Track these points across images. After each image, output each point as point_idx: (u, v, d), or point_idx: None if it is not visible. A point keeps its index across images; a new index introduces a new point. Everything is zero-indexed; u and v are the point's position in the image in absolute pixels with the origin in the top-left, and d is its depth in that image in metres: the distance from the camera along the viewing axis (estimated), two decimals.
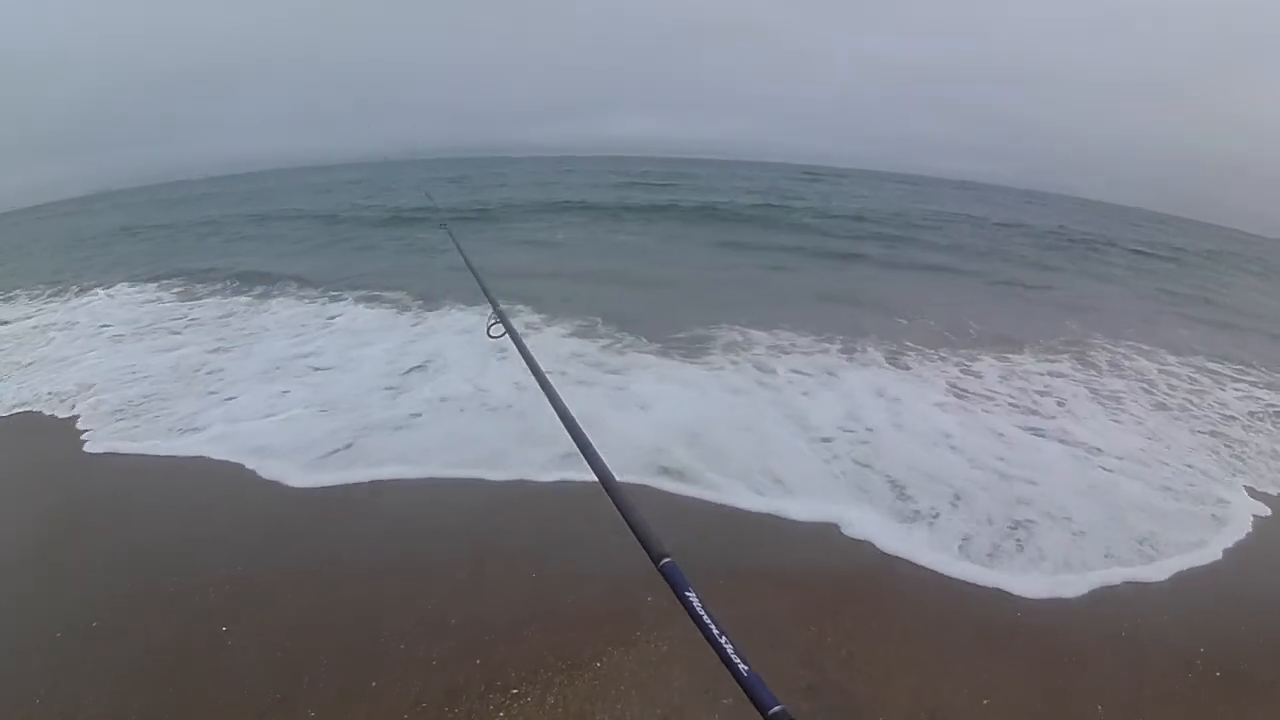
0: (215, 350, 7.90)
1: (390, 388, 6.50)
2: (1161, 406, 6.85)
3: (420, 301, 9.69)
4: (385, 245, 16.23)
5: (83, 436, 5.64)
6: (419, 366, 7.03)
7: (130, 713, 2.89)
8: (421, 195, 24.17)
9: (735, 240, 16.79)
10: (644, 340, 7.75)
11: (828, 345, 7.78)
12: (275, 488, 4.73)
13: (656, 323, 8.27)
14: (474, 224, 19.05)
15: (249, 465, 5.00)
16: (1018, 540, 4.20)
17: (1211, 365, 8.46)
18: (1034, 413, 6.34)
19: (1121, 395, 7.02)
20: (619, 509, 1.50)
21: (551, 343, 7.70)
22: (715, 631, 1.14)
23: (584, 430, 1.82)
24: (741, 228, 19.13)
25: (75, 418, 6.02)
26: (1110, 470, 5.24)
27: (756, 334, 8.09)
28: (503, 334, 2.51)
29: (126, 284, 12.06)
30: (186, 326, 9.22)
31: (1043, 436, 5.82)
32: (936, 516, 4.40)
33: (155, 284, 12.01)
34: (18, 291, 12.28)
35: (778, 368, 7.00)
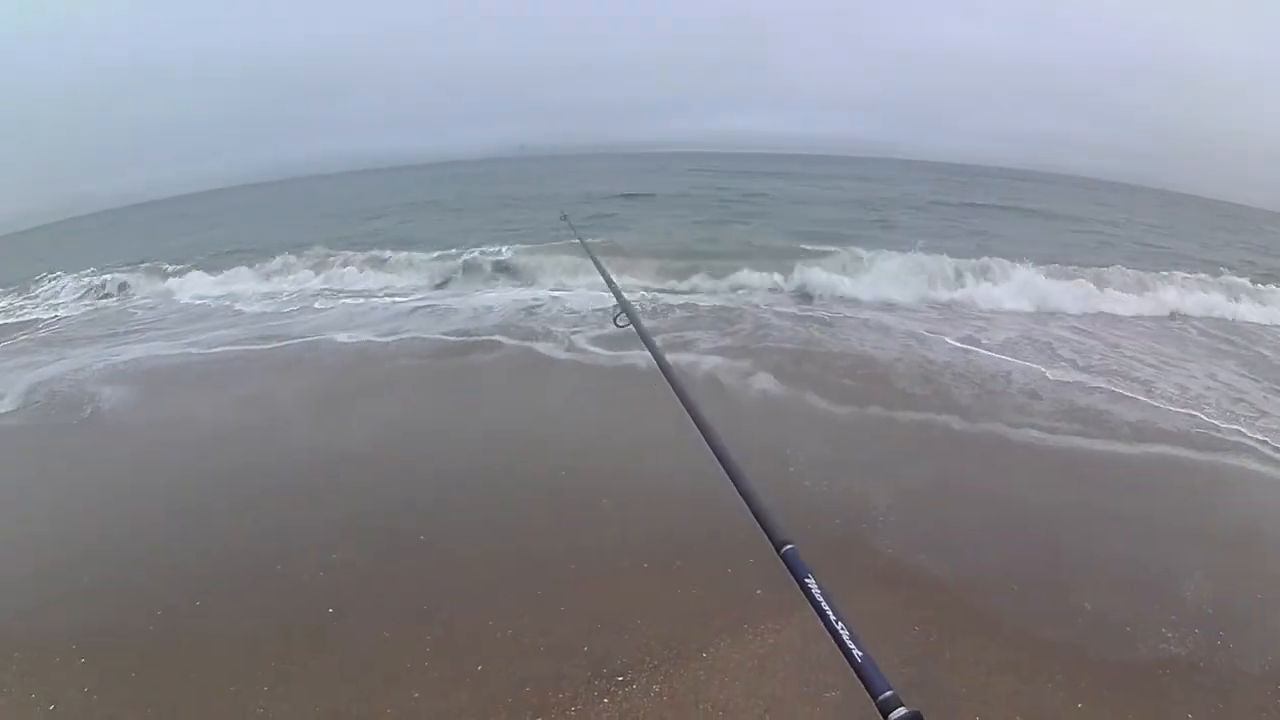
0: None
1: None
2: None
3: None
4: None
5: None
6: None
7: (231, 693, 2.99)
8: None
9: None
10: None
11: None
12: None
13: None
14: None
15: None
16: None
17: None
18: None
19: None
20: (741, 494, 1.46)
21: None
22: (832, 617, 1.13)
23: (705, 415, 1.75)
24: None
25: None
26: None
27: None
28: (627, 324, 2.50)
29: None
30: None
31: None
32: None
33: None
34: None
35: None
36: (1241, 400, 6.67)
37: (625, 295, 2.72)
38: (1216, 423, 5.97)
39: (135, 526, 4.46)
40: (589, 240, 3.59)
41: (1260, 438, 5.69)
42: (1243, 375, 7.61)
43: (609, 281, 2.88)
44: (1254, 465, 5.25)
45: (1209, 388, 7.00)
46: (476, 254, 12.60)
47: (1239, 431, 5.81)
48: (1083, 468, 5.10)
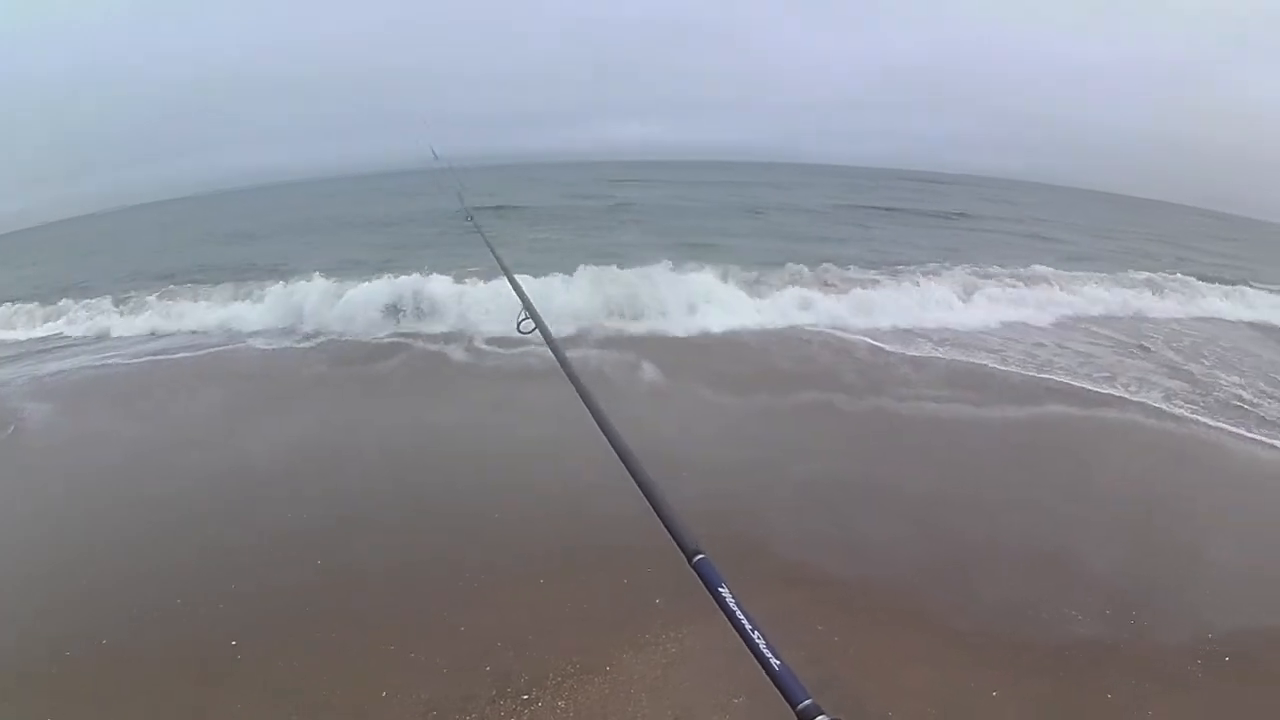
0: None
1: None
2: None
3: None
4: None
5: None
6: None
7: None
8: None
9: None
10: None
11: None
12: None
13: None
14: None
15: None
16: None
17: None
18: None
19: None
20: (650, 502, 1.42)
21: None
22: (748, 626, 1.09)
23: (611, 421, 1.67)
24: None
25: None
26: None
27: None
28: (533, 329, 2.45)
29: None
30: None
31: None
32: None
33: None
34: None
35: None
36: (1090, 361, 7.76)
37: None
38: (1087, 385, 6.81)
39: (35, 563, 4.16)
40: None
41: (1121, 393, 6.53)
42: (1096, 345, 8.78)
43: (513, 283, 2.83)
44: (1136, 417, 5.98)
45: (1057, 354, 8.07)
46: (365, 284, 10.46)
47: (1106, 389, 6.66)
48: (972, 438, 5.49)
